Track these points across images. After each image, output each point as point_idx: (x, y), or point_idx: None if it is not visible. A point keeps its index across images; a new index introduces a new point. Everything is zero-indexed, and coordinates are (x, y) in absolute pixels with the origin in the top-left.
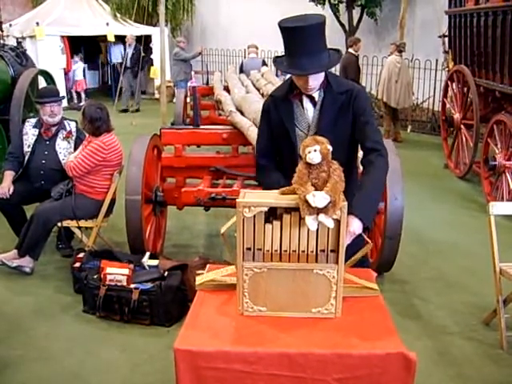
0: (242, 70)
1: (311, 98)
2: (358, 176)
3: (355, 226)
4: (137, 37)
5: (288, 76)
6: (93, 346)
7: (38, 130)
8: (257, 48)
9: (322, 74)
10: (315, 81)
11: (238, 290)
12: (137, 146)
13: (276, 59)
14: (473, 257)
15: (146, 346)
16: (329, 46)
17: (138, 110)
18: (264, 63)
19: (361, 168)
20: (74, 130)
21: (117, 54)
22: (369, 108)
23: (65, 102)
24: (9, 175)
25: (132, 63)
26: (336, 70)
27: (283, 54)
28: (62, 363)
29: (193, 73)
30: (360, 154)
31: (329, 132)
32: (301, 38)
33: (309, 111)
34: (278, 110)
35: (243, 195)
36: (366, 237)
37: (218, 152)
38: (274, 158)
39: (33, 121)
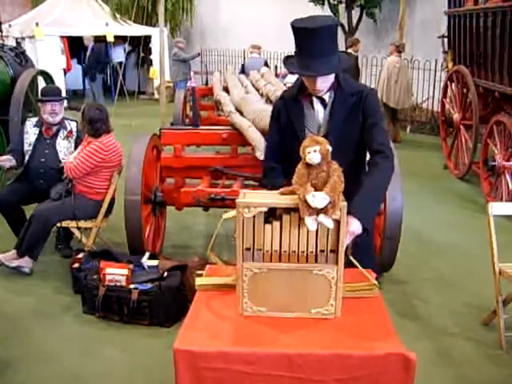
0: (243, 70)
1: (321, 100)
2: None
3: (354, 226)
4: (137, 37)
5: (288, 77)
6: (92, 347)
7: (38, 129)
8: (259, 48)
9: (331, 77)
10: (324, 83)
11: (238, 290)
12: (136, 146)
13: (287, 59)
14: (472, 257)
15: (146, 347)
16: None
17: None
18: (266, 64)
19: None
20: (74, 129)
21: (118, 55)
22: (378, 110)
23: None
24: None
25: (88, 66)
26: None
27: (293, 54)
28: (61, 363)
29: (192, 73)
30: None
31: (339, 133)
32: (312, 40)
33: (319, 112)
34: (288, 111)
35: (243, 195)
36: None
37: (217, 152)
38: (282, 161)
39: (34, 120)
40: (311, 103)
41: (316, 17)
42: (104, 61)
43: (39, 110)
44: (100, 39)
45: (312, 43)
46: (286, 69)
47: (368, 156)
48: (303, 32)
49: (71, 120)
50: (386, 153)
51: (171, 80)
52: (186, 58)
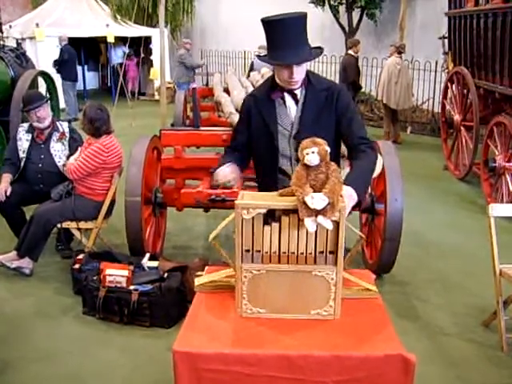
0: (252, 69)
1: (293, 96)
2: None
3: (349, 190)
4: (137, 38)
5: None
6: (92, 348)
7: (31, 135)
8: (265, 48)
9: (305, 69)
10: (299, 74)
11: (237, 291)
12: (137, 147)
13: (259, 58)
14: (473, 258)
15: (146, 348)
16: (316, 45)
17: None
18: None
19: (347, 162)
20: (66, 130)
21: (118, 55)
22: (352, 105)
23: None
24: (6, 177)
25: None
26: (336, 71)
27: (265, 54)
28: (61, 364)
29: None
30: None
31: (311, 129)
32: (284, 31)
33: (291, 109)
34: (260, 109)
35: (241, 197)
36: (358, 231)
37: (217, 153)
38: (241, 159)
39: (25, 125)
40: (283, 99)
41: (284, 13)
42: (73, 65)
43: None
44: (101, 40)
45: (283, 34)
46: (261, 62)
47: (346, 152)
48: (273, 25)
49: (62, 121)
50: (368, 143)
51: (173, 80)
52: (191, 65)
